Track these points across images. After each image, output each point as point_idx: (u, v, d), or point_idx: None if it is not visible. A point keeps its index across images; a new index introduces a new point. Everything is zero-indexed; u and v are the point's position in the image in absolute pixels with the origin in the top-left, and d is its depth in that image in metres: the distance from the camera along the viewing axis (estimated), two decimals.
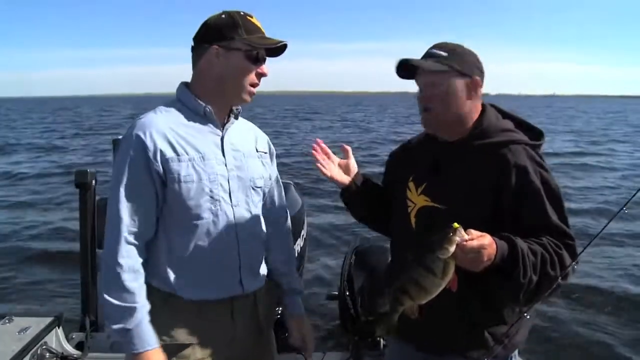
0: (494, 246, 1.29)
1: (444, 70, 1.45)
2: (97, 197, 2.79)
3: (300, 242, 3.11)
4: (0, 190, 9.99)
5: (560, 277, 1.37)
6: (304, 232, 3.23)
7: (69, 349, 2.68)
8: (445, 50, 1.48)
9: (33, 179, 11.50)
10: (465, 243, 1.23)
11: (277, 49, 1.53)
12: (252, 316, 1.64)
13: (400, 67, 1.52)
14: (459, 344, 1.52)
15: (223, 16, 1.50)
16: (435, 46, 1.51)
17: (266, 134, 1.77)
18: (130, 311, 1.39)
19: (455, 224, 1.25)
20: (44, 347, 2.51)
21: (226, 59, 1.48)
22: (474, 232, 1.26)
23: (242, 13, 1.51)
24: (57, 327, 2.66)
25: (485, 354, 1.49)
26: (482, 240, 1.26)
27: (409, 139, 1.80)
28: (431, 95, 1.48)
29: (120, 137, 1.64)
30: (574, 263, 1.40)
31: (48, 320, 2.64)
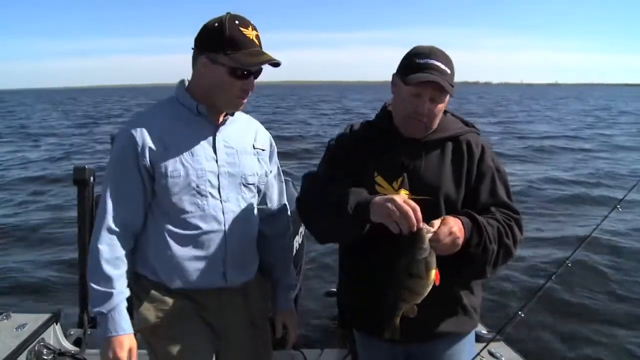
0: (459, 222, 1.36)
1: (451, 93, 1.50)
2: (96, 194, 2.79)
3: (298, 239, 3.10)
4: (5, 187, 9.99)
5: (514, 247, 1.49)
6: (302, 229, 3.22)
7: (67, 345, 2.67)
8: (450, 67, 1.50)
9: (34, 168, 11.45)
10: (436, 232, 1.29)
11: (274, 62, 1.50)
12: (242, 309, 1.67)
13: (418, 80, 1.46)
14: (448, 321, 1.59)
15: (216, 25, 1.47)
16: (440, 58, 1.49)
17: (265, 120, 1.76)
18: (107, 296, 1.45)
19: None
20: (42, 343, 2.51)
21: (211, 71, 1.50)
22: (435, 221, 1.33)
23: (236, 22, 1.47)
24: (54, 324, 2.66)
25: (470, 324, 1.64)
26: (447, 222, 1.33)
27: (351, 127, 1.71)
28: (436, 110, 1.53)
29: (117, 131, 1.67)
30: (567, 262, 1.46)
31: (46, 316, 2.64)
